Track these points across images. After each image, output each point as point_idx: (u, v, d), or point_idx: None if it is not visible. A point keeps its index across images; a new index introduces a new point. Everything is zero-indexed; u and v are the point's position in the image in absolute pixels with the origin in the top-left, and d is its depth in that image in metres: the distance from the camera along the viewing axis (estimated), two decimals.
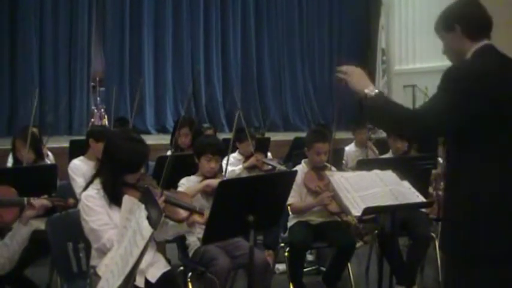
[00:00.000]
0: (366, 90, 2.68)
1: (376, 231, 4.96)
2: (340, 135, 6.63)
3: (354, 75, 2.81)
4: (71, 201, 3.50)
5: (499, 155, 2.56)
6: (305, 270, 5.13)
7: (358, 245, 4.91)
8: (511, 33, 7.26)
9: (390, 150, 5.63)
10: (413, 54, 11.69)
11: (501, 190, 2.54)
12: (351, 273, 4.85)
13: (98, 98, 11.77)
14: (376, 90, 2.69)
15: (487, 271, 2.53)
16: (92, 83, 11.65)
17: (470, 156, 2.59)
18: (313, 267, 5.56)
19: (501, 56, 2.71)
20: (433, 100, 2.62)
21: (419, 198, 3.38)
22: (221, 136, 7.29)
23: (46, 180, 4.27)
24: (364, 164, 4.82)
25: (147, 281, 3.30)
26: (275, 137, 9.11)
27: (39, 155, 5.28)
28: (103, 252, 3.16)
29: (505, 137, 2.56)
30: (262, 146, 6.62)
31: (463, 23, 2.70)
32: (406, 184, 3.44)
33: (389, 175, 3.52)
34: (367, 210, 3.24)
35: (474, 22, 2.71)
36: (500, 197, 2.53)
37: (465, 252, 2.58)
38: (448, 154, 2.77)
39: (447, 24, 2.77)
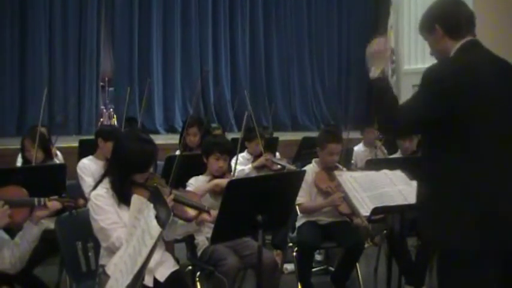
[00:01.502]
0: (371, 74, 2.73)
1: (385, 232, 4.95)
2: (348, 134, 6.63)
3: (372, 47, 2.84)
4: (81, 202, 3.50)
5: (474, 151, 2.55)
6: (313, 270, 5.13)
7: (366, 245, 4.90)
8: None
9: (399, 150, 5.61)
10: (423, 53, 11.64)
11: (475, 187, 2.54)
12: (359, 273, 4.84)
13: (107, 98, 11.81)
14: (375, 76, 2.72)
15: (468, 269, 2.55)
16: (101, 83, 11.69)
17: (444, 153, 2.59)
18: (322, 267, 5.55)
19: (484, 52, 2.71)
20: (410, 101, 2.63)
21: None
22: (230, 136, 7.29)
23: (55, 180, 4.28)
24: (373, 164, 4.81)
25: (155, 280, 3.30)
26: (283, 136, 9.10)
27: (48, 154, 5.30)
28: (112, 251, 3.17)
29: (480, 133, 2.56)
30: (271, 145, 6.62)
31: (442, 22, 2.71)
32: (415, 184, 3.43)
33: (398, 175, 3.51)
34: (375, 210, 3.23)
35: (453, 20, 2.71)
36: (474, 194, 2.54)
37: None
38: (424, 151, 2.79)
39: (428, 25, 2.77)
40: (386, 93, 2.71)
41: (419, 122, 2.60)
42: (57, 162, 5.69)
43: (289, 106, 13.34)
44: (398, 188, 3.39)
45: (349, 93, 13.56)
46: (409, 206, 3.37)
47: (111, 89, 11.90)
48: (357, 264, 4.78)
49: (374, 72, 2.73)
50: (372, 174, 3.57)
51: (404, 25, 12.38)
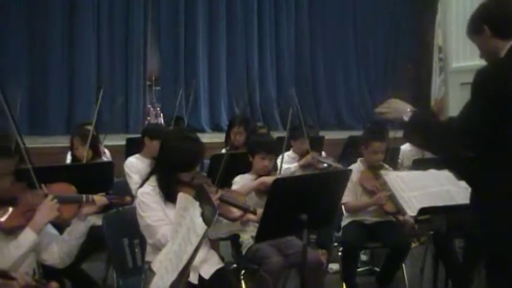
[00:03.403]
0: (404, 117, 2.68)
1: (432, 232, 4.87)
2: (395, 134, 6.55)
3: (390, 109, 2.82)
4: (128, 198, 3.56)
5: None
6: (358, 270, 5.09)
7: (413, 245, 4.84)
8: None
9: None
10: (471, 51, 11.40)
11: None
12: (405, 274, 4.78)
13: (154, 97, 11.94)
14: (410, 112, 2.68)
15: None
16: (148, 82, 11.83)
17: (494, 157, 2.52)
18: (367, 268, 5.50)
19: None
20: (464, 111, 2.56)
21: None
22: (275, 134, 7.29)
23: (103, 177, 4.35)
24: (419, 164, 4.76)
25: (200, 278, 3.33)
26: (328, 135, 9.05)
27: (96, 152, 5.38)
28: (158, 248, 3.21)
29: None
30: (317, 144, 6.59)
31: (491, 22, 2.64)
32: (462, 184, 3.37)
33: (446, 175, 3.45)
34: (422, 211, 3.19)
35: (502, 20, 2.64)
36: None
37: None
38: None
39: (476, 26, 2.71)
40: (428, 121, 2.69)
41: (473, 131, 2.53)
42: (105, 160, 5.78)
43: (334, 105, 13.27)
44: (445, 188, 3.33)
45: (396, 91, 13.41)
46: (456, 207, 3.31)
47: (157, 88, 12.02)
48: (403, 265, 4.73)
49: (406, 115, 2.70)
50: (418, 173, 3.53)
51: (452, 22, 12.17)
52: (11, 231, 2.93)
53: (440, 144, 2.65)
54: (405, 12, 13.61)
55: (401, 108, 2.76)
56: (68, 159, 5.80)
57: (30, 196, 3.05)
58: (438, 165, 3.57)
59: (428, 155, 6.65)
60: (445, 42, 12.45)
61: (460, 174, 3.03)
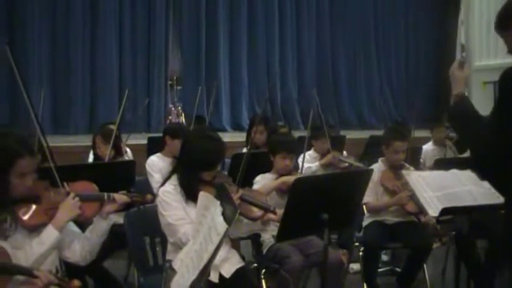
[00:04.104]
0: (454, 92, 2.65)
1: (454, 233, 4.84)
2: (417, 133, 6.52)
3: (453, 77, 2.77)
4: (149, 197, 3.57)
5: None
6: (379, 270, 5.07)
7: (435, 245, 4.80)
8: None
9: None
10: (495, 49, 11.33)
11: None
12: (426, 275, 4.75)
13: (175, 96, 12.00)
14: (456, 97, 2.64)
15: None
16: (169, 82, 11.88)
17: None
18: (388, 268, 5.47)
19: None
20: (492, 114, 2.51)
21: (500, 200, 3.26)
22: (297, 134, 7.28)
23: (125, 176, 4.38)
24: (442, 163, 4.73)
25: (221, 276, 3.33)
26: (350, 135, 9.03)
27: (118, 151, 5.41)
28: (179, 246, 3.22)
29: None
30: (338, 143, 6.58)
31: None
32: (485, 184, 3.33)
33: (468, 175, 3.42)
34: (444, 211, 3.16)
35: None
36: None
37: None
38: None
39: (504, 22, 2.66)
40: (465, 120, 2.64)
41: (501, 131, 2.48)
42: (127, 159, 5.81)
43: (355, 104, 13.22)
44: (467, 189, 3.30)
45: (418, 90, 13.31)
46: (478, 207, 3.28)
47: (179, 87, 12.07)
48: (425, 266, 4.70)
49: (453, 97, 2.66)
50: (440, 173, 3.49)
51: (475, 20, 12.09)
52: (34, 229, 2.95)
53: (473, 141, 2.61)
54: (427, 11, 13.51)
55: (458, 85, 2.72)
56: (90, 158, 5.84)
57: (52, 194, 3.07)
58: (460, 165, 3.54)
59: (450, 154, 6.65)
60: (467, 40, 12.35)
61: (488, 175, 2.99)
